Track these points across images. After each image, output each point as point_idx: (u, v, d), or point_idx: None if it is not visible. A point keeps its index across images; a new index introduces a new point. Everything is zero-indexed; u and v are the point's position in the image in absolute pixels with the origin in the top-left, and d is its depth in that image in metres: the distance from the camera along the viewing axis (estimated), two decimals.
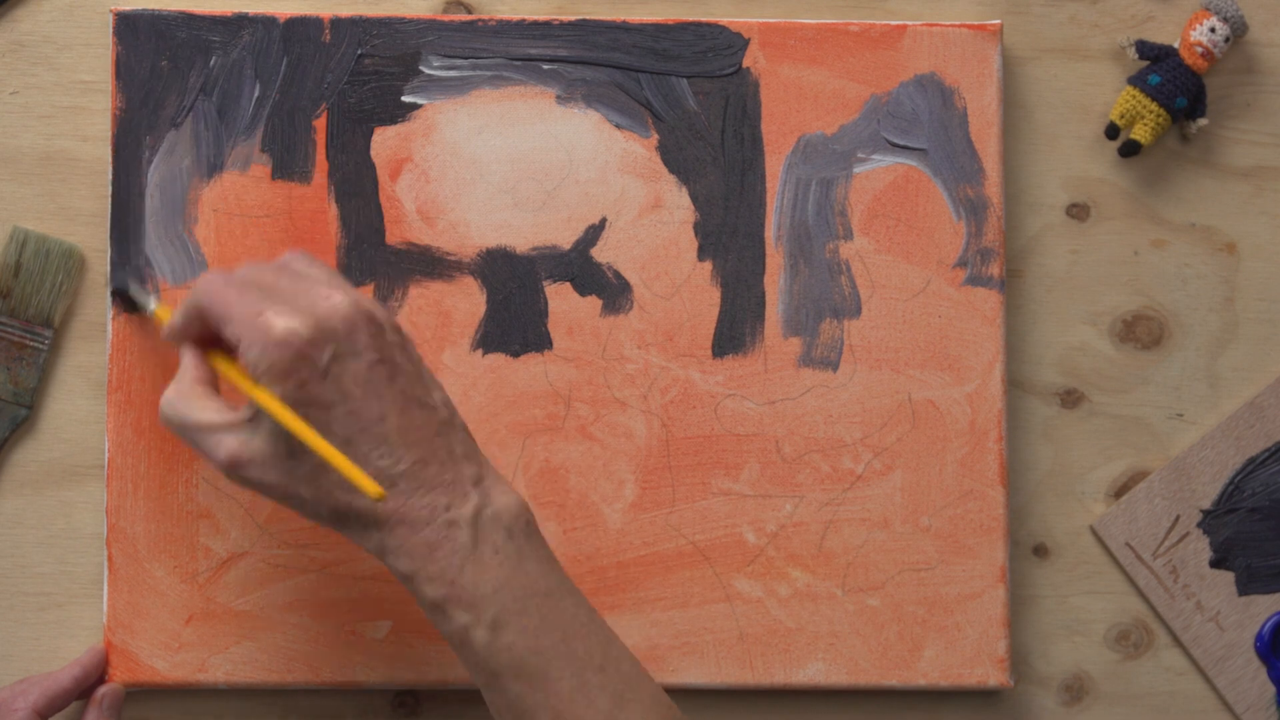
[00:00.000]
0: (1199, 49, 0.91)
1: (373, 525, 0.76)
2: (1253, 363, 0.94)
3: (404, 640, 0.89)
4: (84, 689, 0.88)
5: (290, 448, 0.75)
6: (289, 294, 0.76)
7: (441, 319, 0.90)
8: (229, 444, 0.76)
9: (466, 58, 0.91)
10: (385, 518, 0.75)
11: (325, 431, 0.74)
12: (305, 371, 0.74)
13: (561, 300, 0.91)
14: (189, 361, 0.79)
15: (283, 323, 0.74)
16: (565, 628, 0.76)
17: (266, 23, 0.91)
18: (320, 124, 0.91)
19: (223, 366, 0.79)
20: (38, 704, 0.85)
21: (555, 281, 0.91)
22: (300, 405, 0.74)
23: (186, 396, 0.78)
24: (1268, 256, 0.94)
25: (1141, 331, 0.94)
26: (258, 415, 0.76)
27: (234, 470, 0.76)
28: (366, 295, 0.78)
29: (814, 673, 0.90)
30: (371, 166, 0.91)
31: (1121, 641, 0.93)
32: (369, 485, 0.73)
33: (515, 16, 0.91)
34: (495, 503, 0.76)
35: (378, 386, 0.75)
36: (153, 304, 0.87)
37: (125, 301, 0.89)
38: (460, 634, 0.75)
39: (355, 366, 0.75)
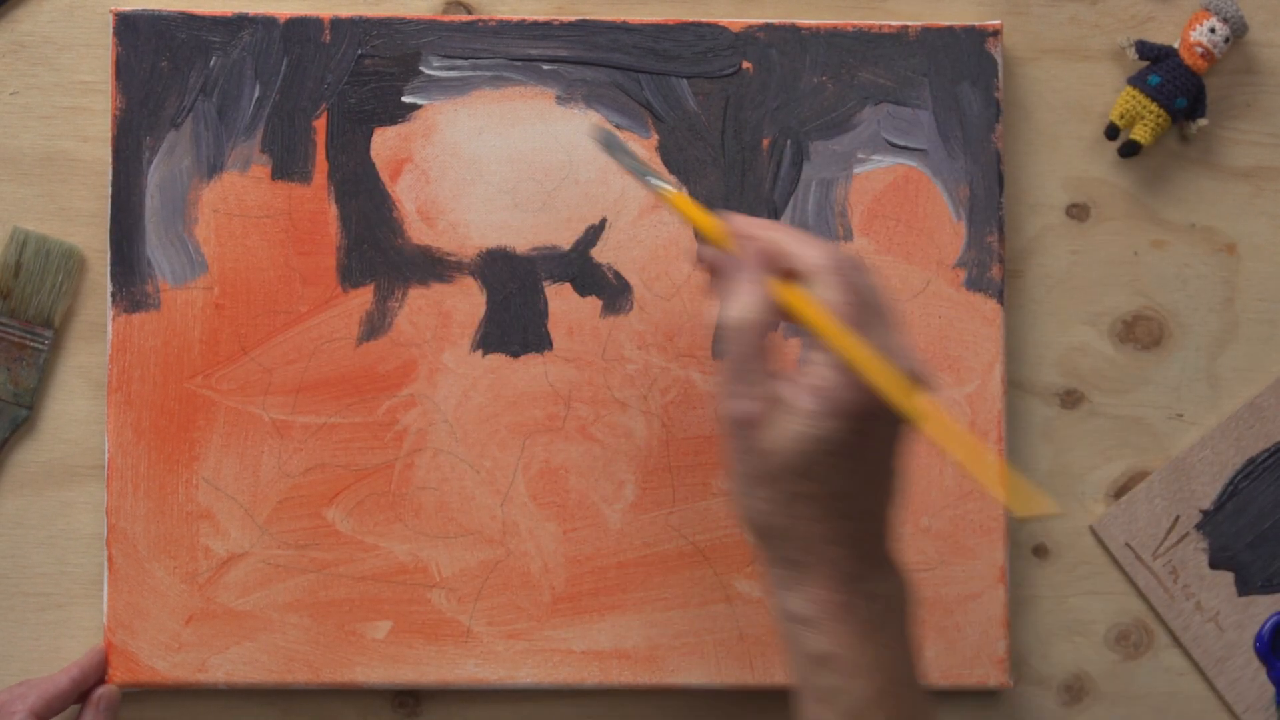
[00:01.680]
0: (1199, 49, 0.91)
1: (794, 563, 0.76)
2: (1253, 363, 0.94)
3: (404, 640, 0.89)
4: (82, 691, 0.88)
5: (804, 465, 0.74)
6: (877, 334, 0.74)
7: (442, 319, 0.90)
8: (751, 406, 0.74)
9: (467, 58, 0.91)
10: (812, 564, 0.75)
11: (835, 476, 0.74)
12: (868, 425, 0.73)
13: (562, 301, 0.91)
14: (765, 293, 0.75)
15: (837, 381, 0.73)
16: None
17: (266, 23, 0.91)
18: (320, 124, 0.91)
19: (798, 303, 0.75)
20: (35, 707, 0.85)
21: (555, 282, 0.91)
22: (836, 447, 0.73)
23: (758, 332, 0.75)
24: (1268, 257, 0.94)
25: (1141, 332, 0.94)
26: (811, 414, 0.73)
27: (735, 425, 0.75)
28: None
29: None
30: (371, 167, 0.91)
31: (1121, 642, 0.93)
32: (912, 404, 0.72)
33: (515, 17, 0.91)
34: (902, 589, 0.77)
35: (887, 459, 0.76)
36: (659, 184, 0.82)
37: (609, 150, 0.86)
38: (827, 692, 0.75)
39: (889, 440, 0.75)
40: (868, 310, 0.74)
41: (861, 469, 0.74)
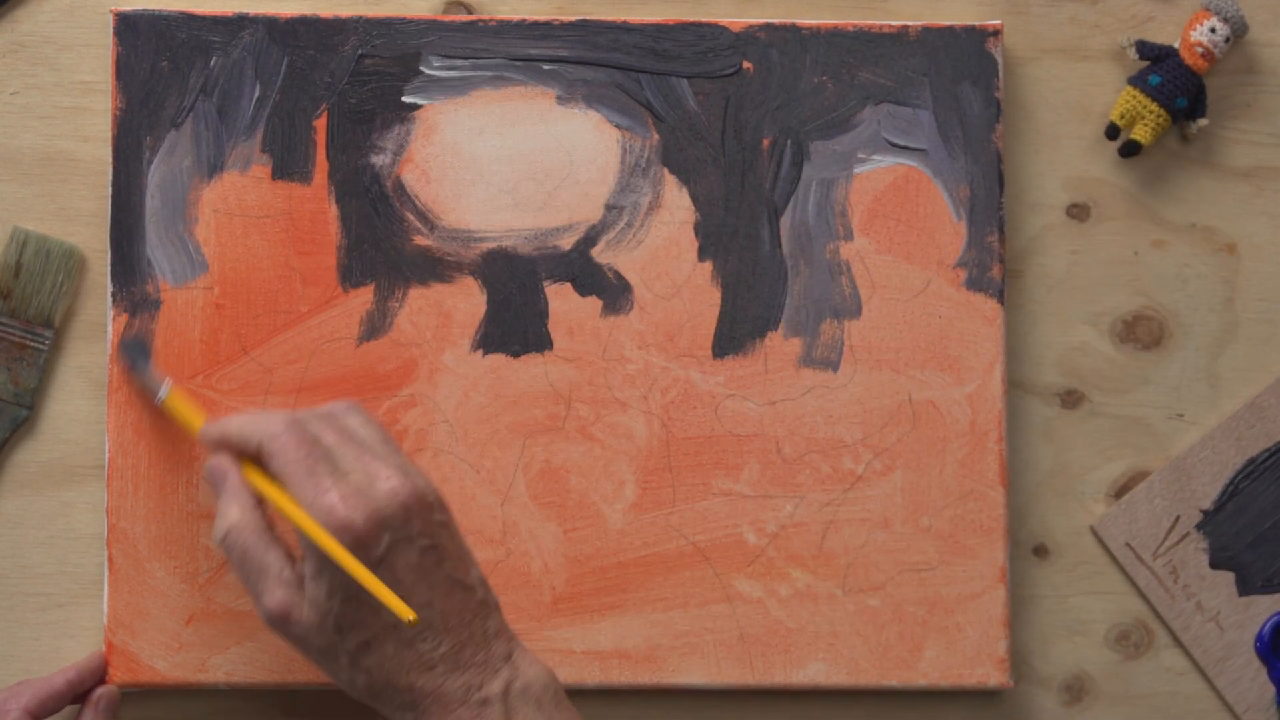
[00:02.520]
0: (1199, 49, 0.91)
1: (408, 705, 0.77)
2: (1253, 363, 0.94)
3: None
4: (78, 692, 0.87)
5: (338, 622, 0.76)
6: (349, 466, 0.77)
7: (442, 320, 0.90)
8: (281, 597, 0.77)
9: (467, 58, 0.91)
10: (421, 698, 0.77)
11: (374, 614, 0.76)
12: (363, 554, 0.76)
13: (562, 301, 0.91)
14: (239, 483, 0.80)
15: (343, 512, 0.75)
16: None
17: (266, 23, 0.91)
18: (321, 124, 0.91)
19: (267, 489, 0.79)
20: (29, 706, 0.85)
21: (556, 282, 0.91)
22: (352, 590, 0.76)
23: (252, 530, 0.78)
24: (1268, 257, 0.94)
25: (1142, 332, 0.94)
26: (312, 575, 0.77)
27: (276, 623, 0.78)
28: (417, 470, 0.79)
29: (814, 673, 0.90)
30: (372, 166, 0.91)
31: (1121, 642, 0.93)
32: (402, 609, 0.74)
33: (516, 17, 0.91)
34: (524, 675, 0.78)
35: (427, 572, 0.77)
36: (163, 392, 0.86)
37: (129, 363, 0.88)
38: None
39: (408, 553, 0.77)
40: (318, 459, 0.77)
41: (394, 591, 0.76)
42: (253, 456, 0.80)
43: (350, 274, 0.90)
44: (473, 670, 0.77)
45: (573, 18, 0.91)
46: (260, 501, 0.80)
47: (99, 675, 0.88)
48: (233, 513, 0.78)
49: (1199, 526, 0.93)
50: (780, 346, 0.91)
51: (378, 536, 0.76)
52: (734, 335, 0.91)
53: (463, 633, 0.77)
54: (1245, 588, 0.93)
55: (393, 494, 0.76)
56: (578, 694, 0.91)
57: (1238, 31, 0.92)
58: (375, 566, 0.75)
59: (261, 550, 0.78)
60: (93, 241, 0.91)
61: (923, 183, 0.91)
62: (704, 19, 0.92)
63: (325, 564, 0.76)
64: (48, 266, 0.90)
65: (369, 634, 0.76)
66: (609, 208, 0.91)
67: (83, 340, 0.91)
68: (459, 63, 0.91)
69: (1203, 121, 0.93)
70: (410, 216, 0.91)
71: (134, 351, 0.88)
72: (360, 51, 0.91)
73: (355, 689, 0.78)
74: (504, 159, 0.91)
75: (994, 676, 0.90)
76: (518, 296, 0.91)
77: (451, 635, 0.77)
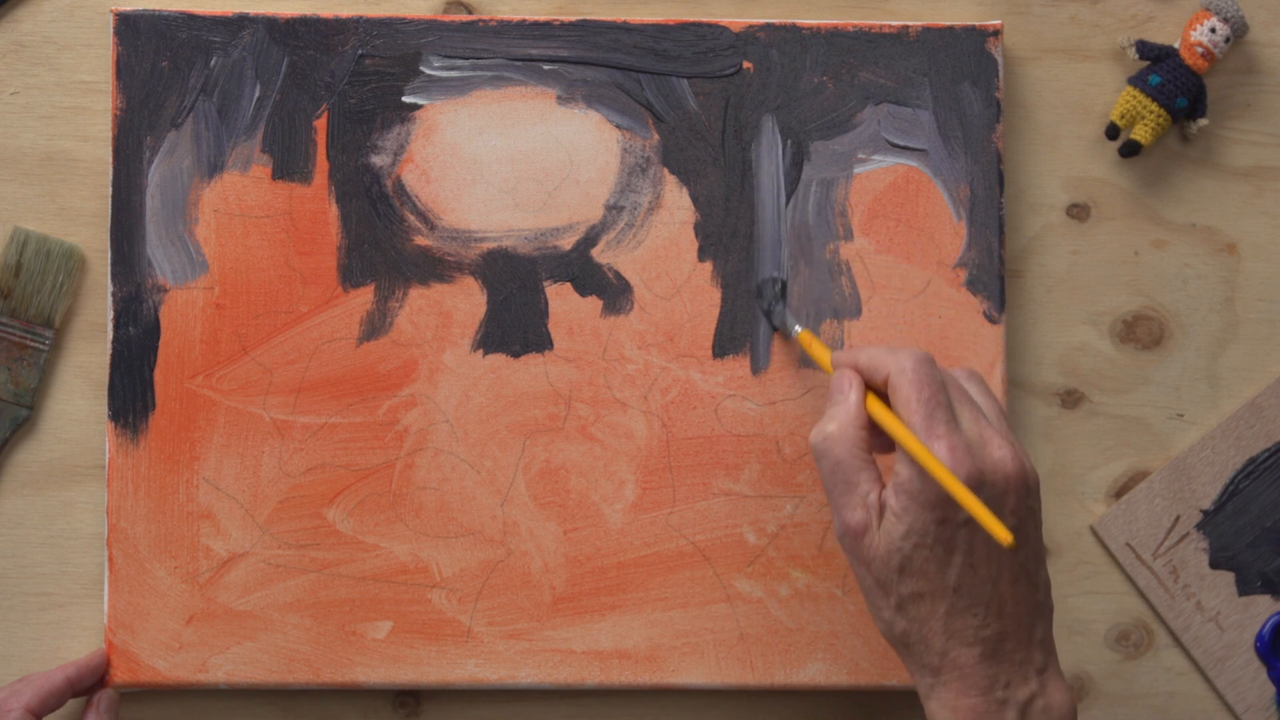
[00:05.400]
0: (1199, 49, 0.91)
1: (932, 669, 0.77)
2: (1253, 363, 0.94)
3: (404, 640, 0.89)
4: (78, 688, 0.87)
5: (903, 564, 0.76)
6: (965, 424, 0.77)
7: (442, 320, 0.90)
8: (859, 518, 0.77)
9: (467, 58, 0.91)
10: (947, 668, 0.77)
11: (940, 571, 0.76)
12: (950, 512, 0.76)
13: (562, 301, 0.91)
14: (855, 401, 0.79)
15: (948, 463, 0.75)
16: None
17: (267, 23, 0.91)
18: (321, 124, 0.91)
19: (884, 416, 0.78)
20: (30, 704, 0.85)
21: (556, 282, 0.91)
22: (926, 539, 0.76)
23: (851, 443, 0.78)
24: (1268, 257, 0.94)
25: (1142, 332, 0.94)
26: (896, 512, 0.76)
27: (849, 538, 0.78)
28: (1025, 453, 0.78)
29: (814, 673, 0.90)
30: (372, 166, 0.91)
31: (1121, 641, 0.93)
32: (1000, 531, 0.73)
33: (516, 17, 0.91)
34: (1050, 696, 0.77)
35: (1003, 551, 0.76)
36: (795, 330, 0.88)
37: (767, 305, 0.90)
38: None
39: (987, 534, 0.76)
40: (939, 405, 0.76)
41: (967, 561, 0.76)
42: (877, 386, 0.79)
43: (350, 274, 0.90)
44: (1006, 666, 0.76)
45: (573, 18, 0.91)
46: (868, 426, 0.79)
47: (99, 672, 0.88)
48: (837, 422, 0.78)
49: (1199, 526, 0.93)
50: (781, 347, 0.91)
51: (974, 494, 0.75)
52: (734, 335, 0.91)
53: (1012, 623, 0.77)
54: (1245, 588, 0.93)
55: (1000, 463, 0.76)
56: (578, 694, 0.91)
57: (1238, 31, 0.92)
58: (959, 526, 0.75)
59: (855, 467, 0.77)
60: (93, 241, 0.91)
61: (923, 183, 0.92)
62: (704, 19, 0.92)
63: (912, 507, 0.75)
64: (48, 266, 0.90)
65: (927, 587, 0.76)
66: (609, 208, 0.91)
67: (83, 340, 0.91)
68: (459, 63, 0.91)
69: (1203, 121, 0.93)
70: (410, 216, 0.91)
71: (771, 293, 0.90)
72: (360, 51, 0.91)
73: (890, 630, 0.78)
74: (504, 159, 0.91)
75: None
76: (518, 296, 0.91)
77: (1001, 622, 0.76)
